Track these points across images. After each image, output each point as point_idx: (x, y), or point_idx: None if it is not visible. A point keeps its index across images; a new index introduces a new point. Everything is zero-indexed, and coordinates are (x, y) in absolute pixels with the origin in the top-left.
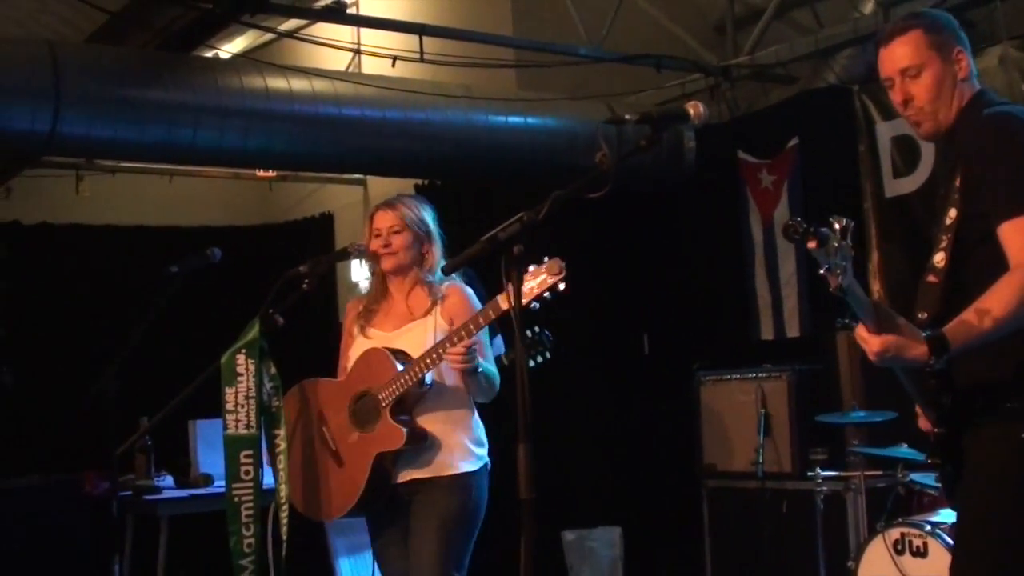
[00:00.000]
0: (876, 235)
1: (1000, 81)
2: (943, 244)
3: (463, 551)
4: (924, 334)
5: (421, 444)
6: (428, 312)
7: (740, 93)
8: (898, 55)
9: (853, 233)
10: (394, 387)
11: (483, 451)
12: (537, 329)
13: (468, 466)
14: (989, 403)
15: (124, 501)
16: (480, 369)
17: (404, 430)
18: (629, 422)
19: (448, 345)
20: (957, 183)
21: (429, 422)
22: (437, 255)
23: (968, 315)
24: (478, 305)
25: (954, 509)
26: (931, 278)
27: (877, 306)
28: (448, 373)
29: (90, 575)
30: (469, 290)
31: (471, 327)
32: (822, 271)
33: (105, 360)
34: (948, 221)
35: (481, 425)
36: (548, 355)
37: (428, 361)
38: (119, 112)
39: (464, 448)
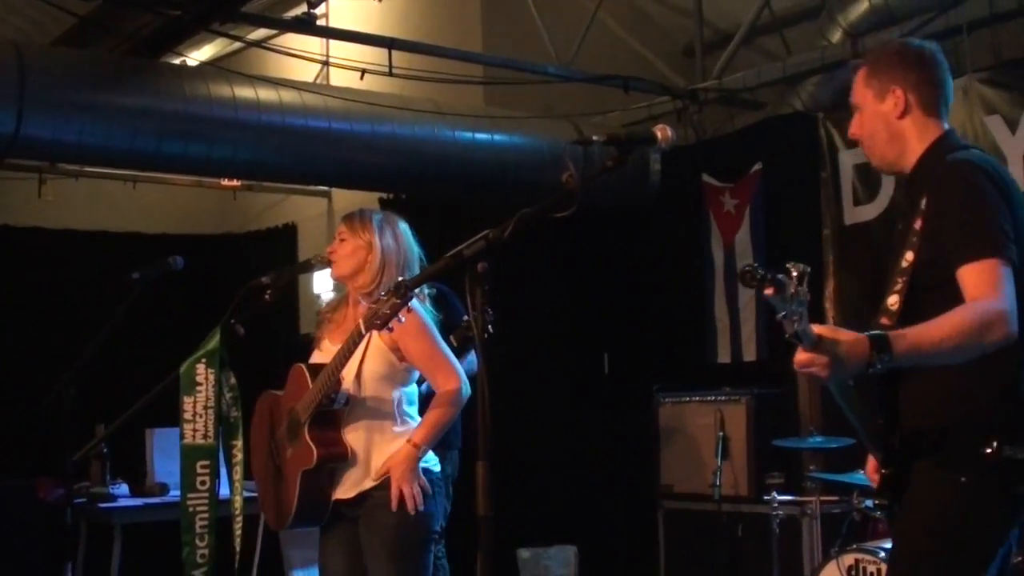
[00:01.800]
0: (833, 261)
1: (962, 113)
2: (897, 287)
3: (420, 569)
4: (866, 333)
5: (342, 462)
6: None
7: (707, 117)
8: (853, 91)
9: (808, 280)
10: (308, 405)
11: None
12: (465, 319)
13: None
14: (933, 446)
15: (78, 508)
16: (422, 454)
17: (315, 449)
18: (587, 441)
19: (333, 371)
20: (917, 226)
21: (355, 439)
22: (376, 268)
23: (918, 328)
24: (428, 320)
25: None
26: (884, 320)
27: (808, 334)
28: (368, 388)
29: None
30: (416, 304)
31: (345, 354)
32: (778, 317)
33: (63, 365)
34: (904, 264)
35: None
36: (491, 329)
37: (323, 385)
38: (84, 116)
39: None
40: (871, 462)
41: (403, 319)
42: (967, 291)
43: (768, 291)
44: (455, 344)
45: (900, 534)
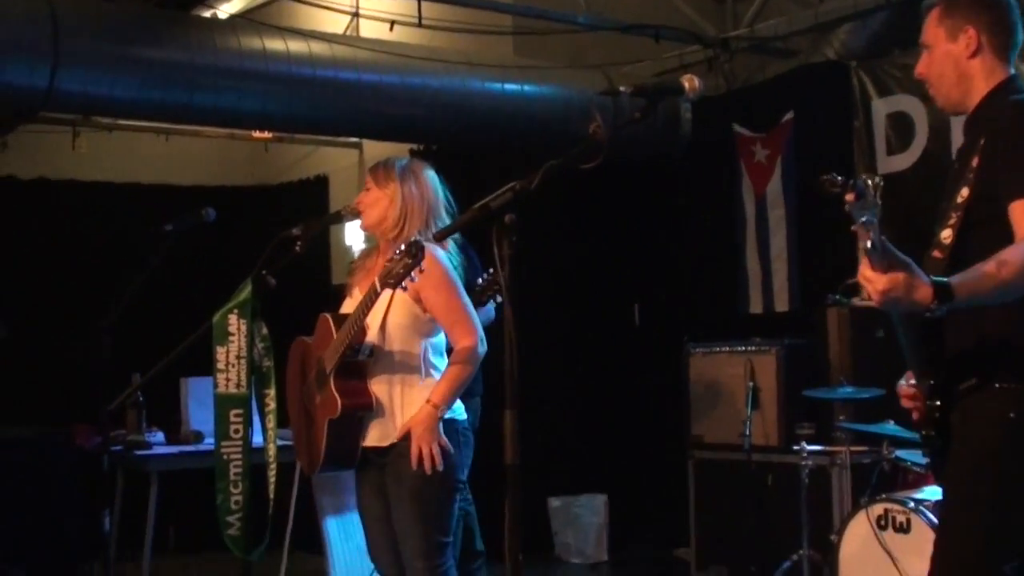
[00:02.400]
0: None
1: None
2: (951, 221)
3: (445, 516)
4: (930, 279)
5: (367, 412)
6: None
7: (738, 66)
8: (923, 29)
9: (882, 192)
10: (333, 355)
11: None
12: (491, 271)
13: None
14: (981, 381)
15: (115, 456)
16: (445, 415)
17: (340, 400)
18: (618, 391)
19: (355, 323)
20: (975, 163)
21: (380, 389)
22: (397, 216)
23: (975, 271)
24: (452, 271)
25: (940, 485)
26: (936, 253)
27: (886, 244)
28: (394, 339)
29: (80, 527)
30: (441, 256)
31: (364, 308)
32: (857, 225)
33: (99, 315)
34: (959, 199)
35: None
36: (499, 298)
37: (346, 336)
38: (117, 69)
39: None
40: (905, 387)
41: (416, 278)
42: (1019, 226)
43: (849, 198)
44: None
45: (951, 470)
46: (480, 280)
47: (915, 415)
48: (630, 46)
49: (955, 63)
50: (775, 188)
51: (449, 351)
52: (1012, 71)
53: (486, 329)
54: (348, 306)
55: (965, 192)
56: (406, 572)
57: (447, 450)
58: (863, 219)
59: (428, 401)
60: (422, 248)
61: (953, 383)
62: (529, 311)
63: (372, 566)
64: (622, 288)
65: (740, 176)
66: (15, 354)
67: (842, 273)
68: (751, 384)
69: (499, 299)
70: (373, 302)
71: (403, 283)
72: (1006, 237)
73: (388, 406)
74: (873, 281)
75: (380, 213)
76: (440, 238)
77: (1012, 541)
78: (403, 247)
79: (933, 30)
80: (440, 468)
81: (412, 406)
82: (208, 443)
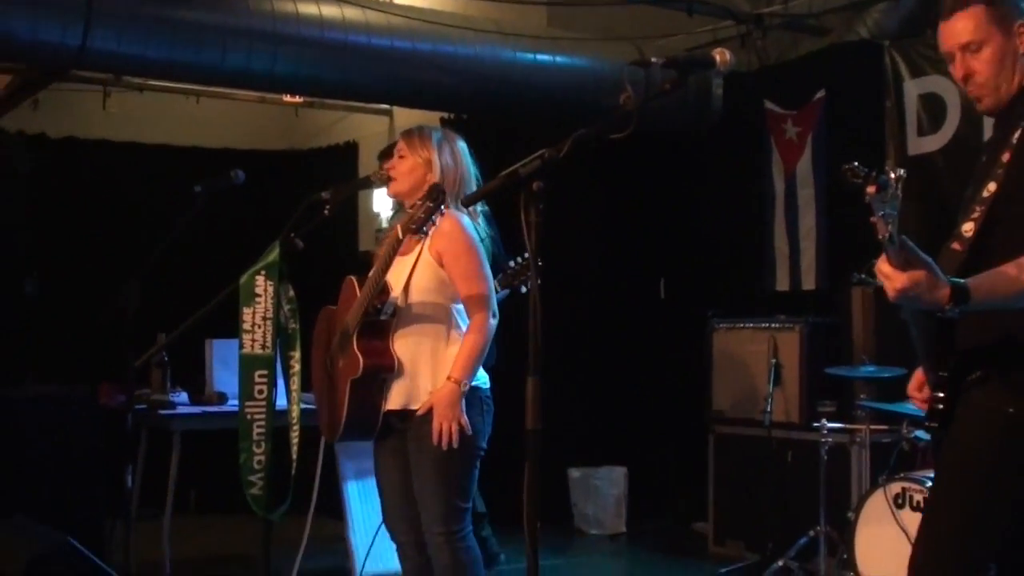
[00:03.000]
0: None
1: None
2: (975, 215)
3: (465, 482)
4: (949, 280)
5: (389, 373)
6: (418, 244)
7: (771, 42)
8: (959, 30)
9: (904, 185)
10: (356, 315)
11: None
12: (521, 259)
13: None
14: (986, 373)
15: (139, 414)
16: (467, 389)
17: (362, 359)
18: (641, 365)
19: (376, 280)
20: (1005, 158)
21: (403, 351)
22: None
23: (993, 275)
24: (476, 240)
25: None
26: (956, 245)
27: (906, 243)
28: (417, 301)
29: (103, 484)
30: (467, 223)
31: (386, 261)
32: (876, 218)
33: (126, 275)
34: (986, 194)
35: None
36: (539, 281)
37: (367, 293)
38: (149, 30)
39: (436, 383)
40: (916, 378)
41: (437, 221)
42: None
43: (871, 190)
44: (498, 288)
45: (944, 460)
46: (512, 264)
47: (917, 403)
48: (663, 20)
49: (1014, 59)
50: (805, 166)
51: None
52: None
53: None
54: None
55: (992, 187)
56: (425, 538)
57: (466, 428)
58: (882, 212)
59: (449, 378)
60: (443, 191)
61: (960, 376)
62: (554, 281)
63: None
64: (648, 261)
65: (770, 153)
66: (43, 312)
67: (869, 253)
68: (774, 361)
69: (526, 288)
70: (396, 251)
71: (425, 227)
72: None
73: (411, 368)
74: (891, 278)
75: (415, 182)
76: (468, 203)
77: (992, 535)
78: (425, 193)
79: (983, 27)
80: (455, 446)
81: (435, 369)
82: (232, 405)
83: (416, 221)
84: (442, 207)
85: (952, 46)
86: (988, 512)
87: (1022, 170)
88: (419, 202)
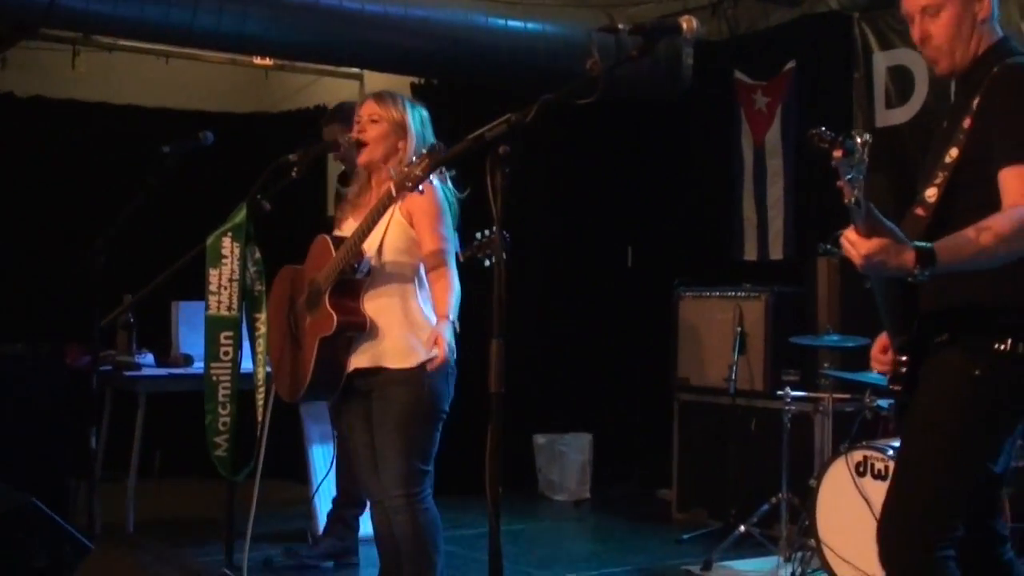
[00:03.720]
0: None
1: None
2: (937, 180)
3: (427, 444)
4: (913, 244)
5: (360, 331)
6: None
7: (741, 12)
8: None
9: (871, 156)
10: (330, 273)
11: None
12: (488, 231)
13: (414, 361)
14: (950, 339)
15: (104, 375)
16: (454, 330)
17: (335, 315)
18: (608, 331)
19: (360, 236)
20: (966, 124)
21: (374, 311)
22: (410, 151)
23: (959, 237)
24: (444, 204)
25: (901, 437)
26: (919, 211)
27: (871, 210)
28: (389, 261)
29: (67, 445)
30: (437, 184)
31: (373, 218)
32: (842, 181)
33: (93, 235)
34: (948, 159)
35: (430, 318)
36: (504, 255)
37: (347, 252)
38: None
39: (408, 343)
40: (876, 349)
41: (435, 181)
42: (1007, 194)
43: (837, 153)
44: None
45: (911, 423)
46: (477, 236)
47: (879, 367)
48: None
49: (972, 25)
50: (774, 137)
51: None
52: (1000, 33)
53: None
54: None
55: (954, 152)
56: (384, 501)
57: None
58: (848, 176)
59: (441, 317)
60: (443, 148)
61: (925, 339)
62: (521, 247)
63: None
64: (616, 229)
65: (739, 123)
66: (8, 272)
67: (836, 223)
68: (739, 329)
69: (490, 262)
70: (386, 209)
71: (420, 187)
72: (992, 201)
73: (381, 326)
74: (856, 245)
75: (389, 147)
76: (435, 166)
77: (961, 497)
78: (424, 150)
79: None
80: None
81: (405, 328)
82: (197, 367)
83: (413, 179)
84: (444, 168)
85: (912, 8)
86: (956, 474)
87: (983, 135)
88: (416, 159)
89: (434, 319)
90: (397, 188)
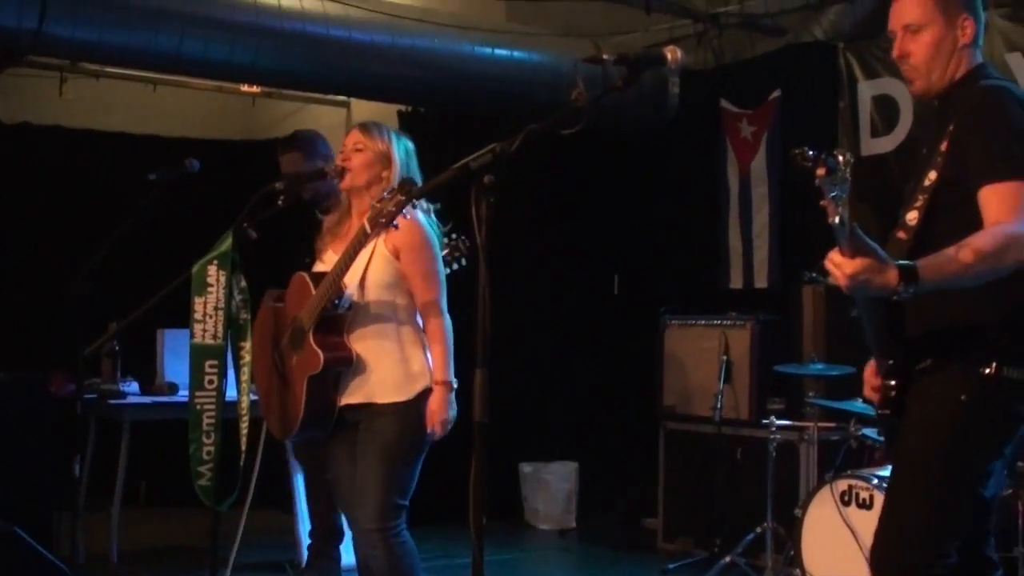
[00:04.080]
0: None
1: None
2: (918, 203)
3: (407, 478)
4: (896, 262)
5: (347, 367)
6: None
7: (727, 42)
8: (905, 10)
9: (853, 168)
10: (311, 311)
11: (420, 380)
12: (455, 235)
13: (403, 395)
14: (936, 363)
15: (88, 403)
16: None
17: (322, 353)
18: (594, 360)
19: (338, 274)
20: (943, 147)
21: (359, 346)
22: (394, 182)
23: (942, 255)
24: (432, 238)
25: (892, 463)
26: (901, 234)
27: (855, 230)
28: (373, 296)
29: (51, 474)
30: (422, 217)
31: (350, 254)
32: (826, 200)
33: (79, 262)
34: (927, 182)
35: (418, 352)
36: (464, 262)
37: (327, 289)
38: (106, 15)
39: (397, 377)
40: (869, 376)
41: (408, 215)
42: (988, 213)
43: (820, 172)
44: None
45: (900, 448)
46: (447, 240)
47: (874, 398)
48: (621, 17)
49: (952, 48)
50: (759, 165)
51: None
52: (980, 59)
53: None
54: (320, 269)
55: (933, 175)
56: (358, 535)
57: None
58: (832, 194)
59: (436, 382)
60: (414, 183)
61: (910, 364)
62: (508, 276)
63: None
64: (603, 257)
65: (725, 151)
66: None
67: (821, 252)
68: (724, 358)
69: (459, 264)
70: (362, 246)
71: (395, 221)
72: (972, 221)
73: (368, 361)
74: (841, 266)
75: (372, 176)
76: (418, 196)
77: (953, 522)
78: (395, 186)
79: (928, 11)
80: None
81: (394, 362)
82: (182, 395)
83: (387, 215)
84: (413, 200)
85: (896, 25)
86: (947, 499)
87: (959, 158)
88: (386, 196)
89: (424, 351)
90: (371, 224)
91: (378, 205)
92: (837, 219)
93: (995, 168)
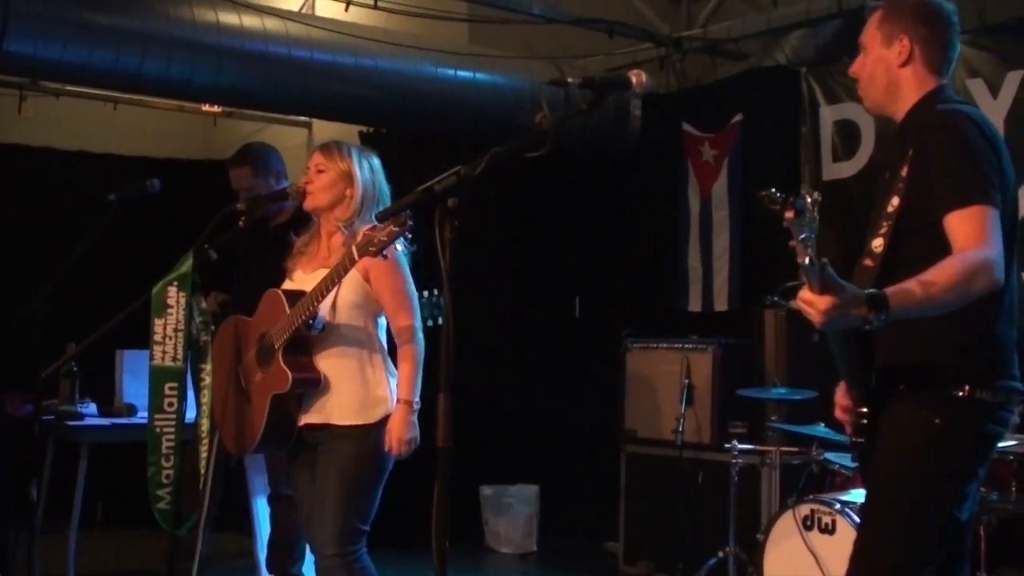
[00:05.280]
0: None
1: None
2: (882, 230)
3: (367, 502)
4: (865, 292)
5: (314, 388)
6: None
7: (689, 65)
8: (864, 31)
9: (820, 207)
10: (283, 329)
11: (381, 405)
12: (432, 292)
13: (363, 418)
14: (909, 388)
15: (46, 425)
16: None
17: (290, 373)
18: (555, 382)
19: (317, 296)
20: (904, 173)
21: (327, 367)
22: (358, 201)
23: (911, 283)
24: (402, 259)
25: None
26: (868, 261)
27: (825, 268)
28: (344, 317)
29: (7, 496)
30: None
31: (332, 279)
32: (795, 241)
33: (37, 282)
34: (890, 208)
35: (382, 377)
36: (440, 320)
37: (303, 310)
38: (68, 34)
39: (358, 400)
40: (840, 397)
41: (399, 247)
42: (955, 239)
43: (788, 215)
44: None
45: (875, 473)
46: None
47: (847, 428)
48: (583, 40)
49: (886, 69)
50: (720, 189)
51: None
52: (943, 82)
53: None
54: (289, 287)
55: (896, 202)
56: (318, 560)
57: (415, 443)
58: (802, 236)
59: (400, 400)
60: (410, 217)
61: (883, 390)
62: (469, 298)
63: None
64: (564, 280)
65: (686, 175)
66: None
67: (782, 276)
68: (686, 381)
69: (435, 323)
70: (346, 271)
71: (384, 251)
72: (937, 246)
73: (334, 383)
74: (814, 303)
75: (335, 196)
76: (382, 219)
77: (930, 545)
78: (388, 214)
79: (872, 33)
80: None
81: (359, 384)
82: (141, 417)
83: (377, 244)
84: (409, 234)
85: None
86: (923, 523)
87: (921, 182)
88: (379, 225)
89: (390, 376)
90: (359, 251)
91: (369, 233)
92: (807, 260)
93: (958, 194)
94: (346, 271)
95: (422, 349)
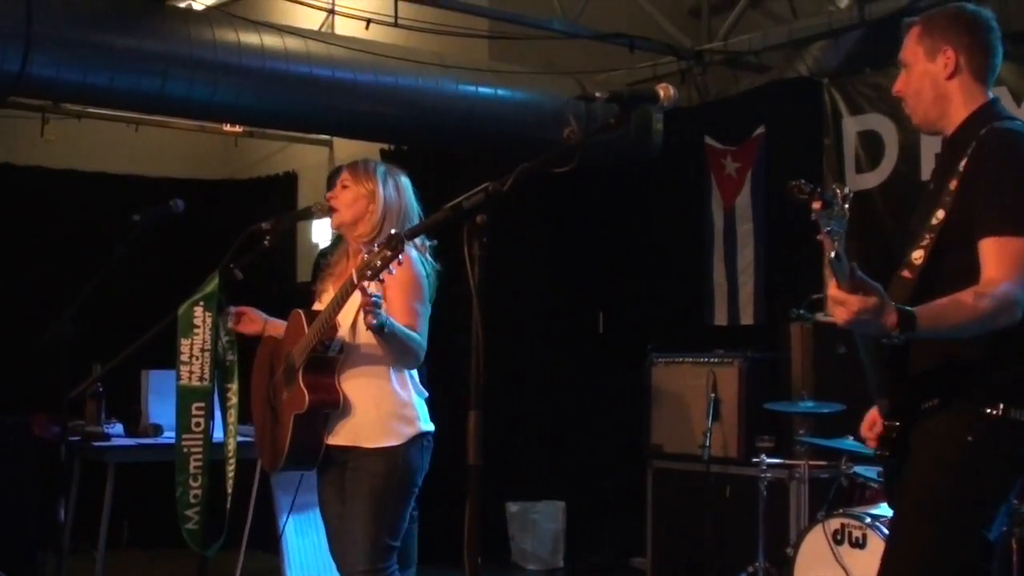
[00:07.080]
0: None
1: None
2: (924, 242)
3: (396, 519)
4: (897, 307)
5: (334, 409)
6: None
7: (711, 78)
8: (903, 49)
9: (850, 202)
10: (302, 350)
11: (409, 426)
12: None
13: (391, 440)
14: (940, 405)
15: (72, 446)
16: (386, 328)
17: (308, 394)
18: (580, 398)
19: (328, 317)
20: (953, 186)
21: (350, 388)
22: (378, 219)
23: (937, 306)
24: (422, 276)
25: (891, 504)
26: (906, 273)
27: (855, 269)
28: (364, 338)
29: (35, 517)
30: (415, 256)
31: (339, 301)
32: (822, 234)
33: (62, 303)
34: (935, 221)
35: (408, 397)
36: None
37: (317, 331)
38: (90, 57)
39: (384, 422)
40: (869, 416)
41: (394, 271)
42: (986, 266)
43: (816, 205)
44: None
45: (903, 490)
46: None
47: (869, 443)
48: (604, 55)
49: (933, 83)
50: (744, 202)
51: None
52: (991, 95)
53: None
54: (319, 308)
55: (941, 214)
56: None
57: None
58: (828, 228)
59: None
60: (402, 240)
61: (914, 404)
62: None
63: (327, 565)
64: (587, 294)
65: (709, 188)
66: None
67: (807, 288)
68: (712, 395)
69: None
70: (349, 295)
71: (381, 275)
72: (977, 265)
73: (356, 404)
74: (845, 302)
75: (357, 213)
76: (411, 236)
77: (956, 565)
78: (384, 239)
79: (912, 48)
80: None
81: (378, 406)
82: (167, 437)
83: (373, 269)
84: (400, 257)
85: (900, 59)
86: (952, 541)
87: (969, 197)
88: (375, 249)
89: (419, 395)
90: (358, 276)
91: (367, 257)
92: (834, 253)
93: (1001, 220)
94: (348, 295)
95: (420, 359)
